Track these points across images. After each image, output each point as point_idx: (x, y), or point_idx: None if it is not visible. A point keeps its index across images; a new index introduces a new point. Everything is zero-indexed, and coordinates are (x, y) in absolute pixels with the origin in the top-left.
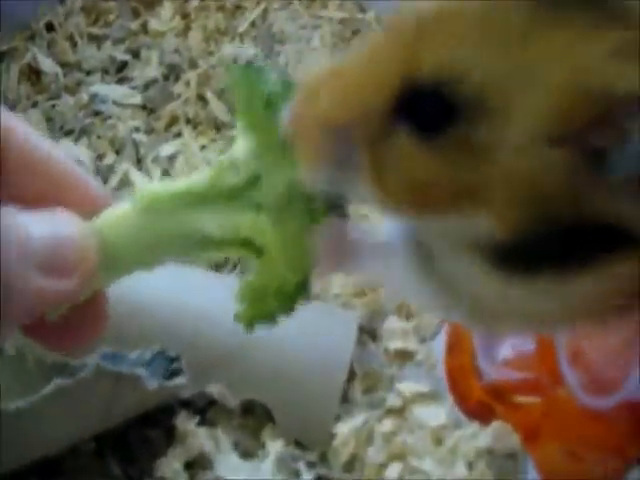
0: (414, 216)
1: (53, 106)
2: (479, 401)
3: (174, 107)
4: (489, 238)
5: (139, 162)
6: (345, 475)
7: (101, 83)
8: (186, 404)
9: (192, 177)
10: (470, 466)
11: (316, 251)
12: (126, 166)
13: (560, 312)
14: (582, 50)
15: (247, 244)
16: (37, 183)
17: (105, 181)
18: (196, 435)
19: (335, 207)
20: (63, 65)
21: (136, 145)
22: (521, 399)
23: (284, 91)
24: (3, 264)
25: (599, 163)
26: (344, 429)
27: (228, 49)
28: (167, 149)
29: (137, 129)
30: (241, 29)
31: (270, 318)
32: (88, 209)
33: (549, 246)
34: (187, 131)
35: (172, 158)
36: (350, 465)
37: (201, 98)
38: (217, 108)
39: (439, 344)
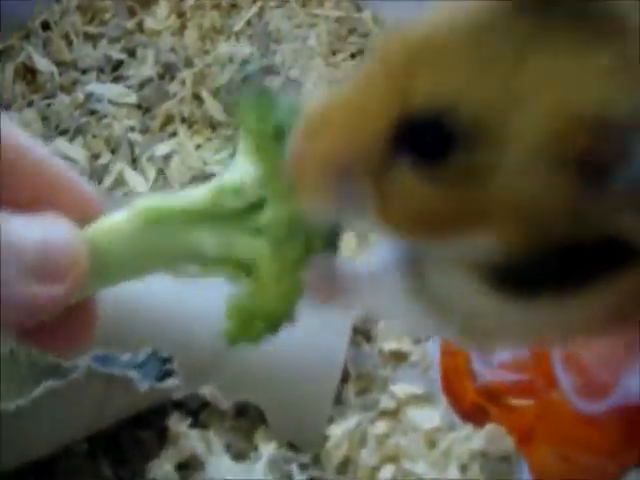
0: (418, 242)
1: (48, 105)
2: (473, 403)
3: (169, 106)
4: (489, 259)
5: (134, 161)
6: (338, 477)
7: (96, 82)
8: (178, 405)
9: (192, 193)
10: (463, 469)
11: (307, 283)
12: (121, 165)
13: (559, 329)
14: (573, 73)
15: (240, 264)
16: (30, 186)
17: (100, 180)
18: (188, 437)
19: (330, 241)
20: (58, 64)
21: (131, 144)
22: (515, 402)
23: (293, 121)
24: None
25: (599, 178)
26: (337, 431)
27: (224, 48)
28: (162, 148)
29: (132, 128)
30: (237, 28)
31: (254, 338)
32: (81, 212)
33: (549, 266)
34: (182, 130)
35: (167, 157)
36: (343, 467)
37: (197, 97)
38: (213, 107)
39: (434, 345)
